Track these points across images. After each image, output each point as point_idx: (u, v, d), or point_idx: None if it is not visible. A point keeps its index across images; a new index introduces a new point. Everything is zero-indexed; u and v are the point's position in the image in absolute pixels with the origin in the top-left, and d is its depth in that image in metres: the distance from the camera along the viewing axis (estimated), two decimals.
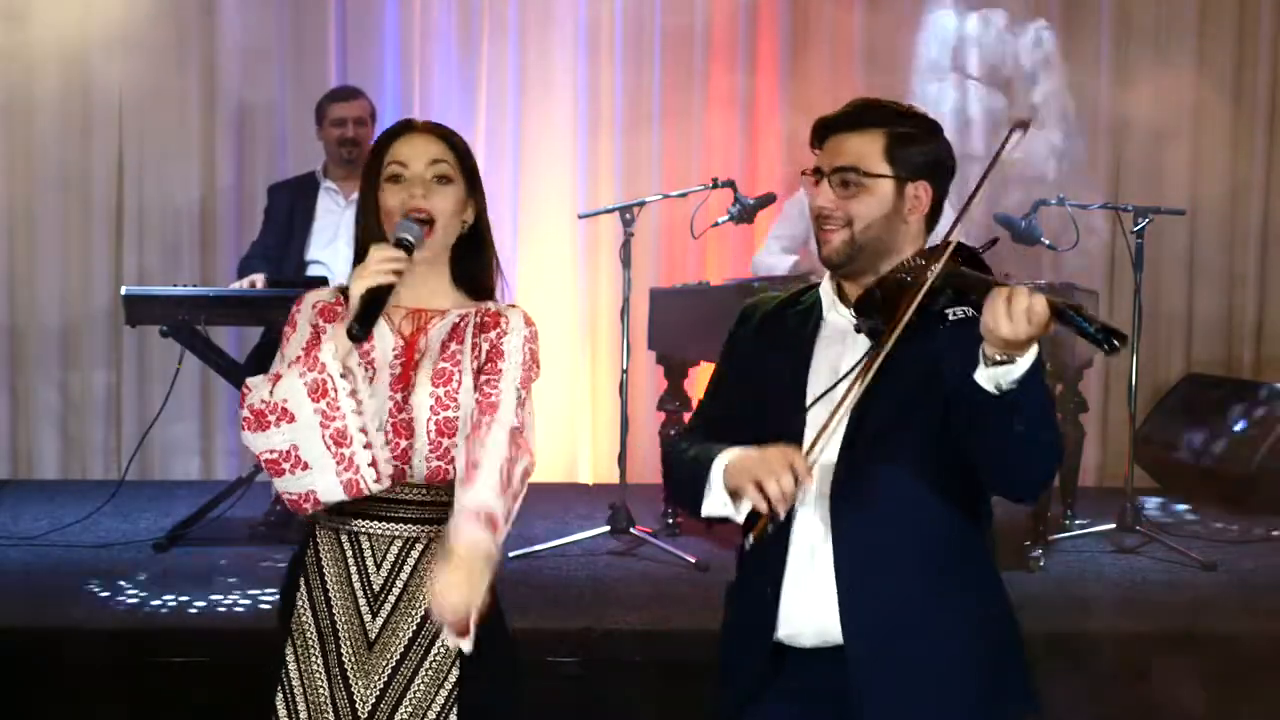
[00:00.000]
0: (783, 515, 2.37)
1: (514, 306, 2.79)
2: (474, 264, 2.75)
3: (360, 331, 2.54)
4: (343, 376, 2.56)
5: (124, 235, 7.03)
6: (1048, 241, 5.76)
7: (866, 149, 2.53)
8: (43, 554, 5.37)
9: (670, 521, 5.76)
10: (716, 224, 5.79)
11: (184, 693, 4.23)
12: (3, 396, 7.03)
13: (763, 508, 2.35)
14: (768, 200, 5.83)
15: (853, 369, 2.46)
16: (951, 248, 2.42)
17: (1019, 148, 2.51)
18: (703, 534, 5.54)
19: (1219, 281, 7.36)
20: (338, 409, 2.55)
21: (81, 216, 7.00)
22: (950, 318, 2.40)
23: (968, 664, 2.50)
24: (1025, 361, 2.28)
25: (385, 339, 2.68)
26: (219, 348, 5.74)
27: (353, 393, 2.56)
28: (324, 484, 2.58)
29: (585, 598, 4.86)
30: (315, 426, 2.55)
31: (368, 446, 2.57)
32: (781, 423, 2.51)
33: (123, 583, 4.96)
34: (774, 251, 6.05)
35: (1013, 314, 2.23)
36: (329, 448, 2.56)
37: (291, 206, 5.87)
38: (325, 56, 7.06)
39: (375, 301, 2.56)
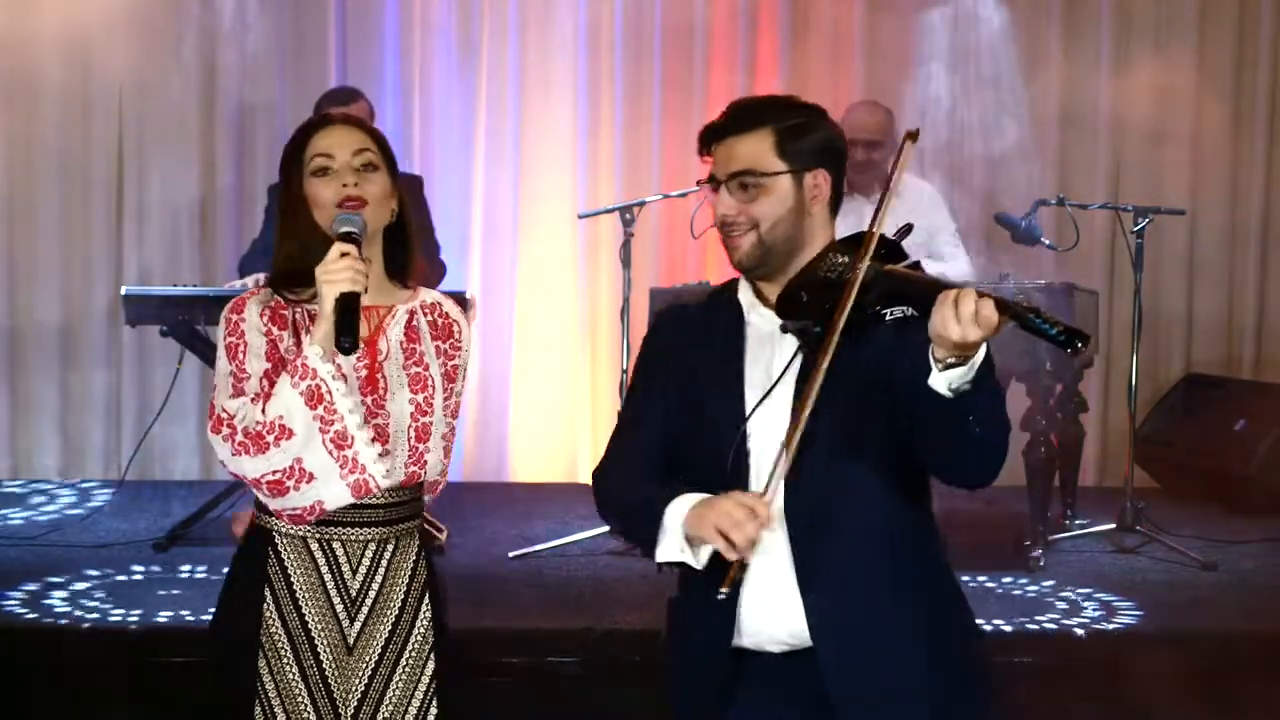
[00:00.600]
0: (750, 560, 2.36)
1: (457, 301, 2.82)
2: (403, 254, 2.74)
3: (352, 344, 2.51)
4: (334, 378, 2.54)
5: (124, 234, 7.03)
6: (1048, 241, 5.75)
7: (758, 149, 2.52)
8: (43, 554, 5.36)
9: None
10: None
11: (184, 693, 4.22)
12: (3, 396, 7.03)
13: (732, 557, 2.34)
14: None
15: (782, 374, 2.45)
16: (874, 240, 2.39)
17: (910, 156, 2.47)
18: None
19: (1219, 281, 7.35)
20: (335, 411, 2.54)
21: (82, 216, 7.00)
22: (888, 317, 2.36)
23: (934, 659, 2.51)
24: (976, 360, 2.26)
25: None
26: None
27: (347, 393, 2.55)
28: (330, 492, 2.57)
29: (585, 598, 4.86)
30: (315, 434, 2.53)
31: (373, 441, 2.57)
32: (721, 434, 2.49)
33: (122, 583, 4.96)
34: None
35: (960, 318, 2.20)
36: (331, 453, 2.55)
37: None
38: (325, 56, 7.06)
39: (351, 308, 2.52)
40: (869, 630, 2.47)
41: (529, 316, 7.19)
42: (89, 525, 5.77)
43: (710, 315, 2.62)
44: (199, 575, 5.06)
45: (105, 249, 7.02)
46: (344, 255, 2.53)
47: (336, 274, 2.52)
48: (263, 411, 2.53)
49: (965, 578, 5.12)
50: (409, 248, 2.75)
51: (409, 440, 2.65)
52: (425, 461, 2.67)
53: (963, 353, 2.24)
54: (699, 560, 2.43)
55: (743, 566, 2.35)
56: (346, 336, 2.51)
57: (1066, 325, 2.19)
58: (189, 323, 5.39)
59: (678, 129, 7.18)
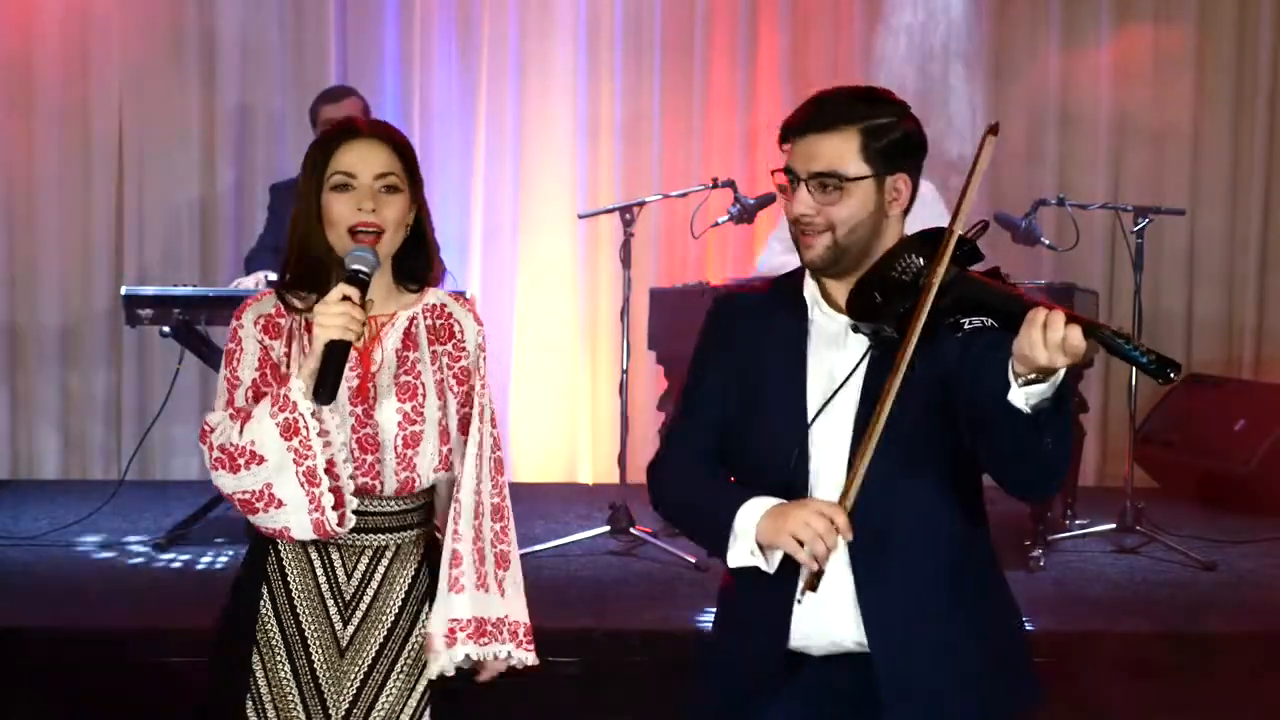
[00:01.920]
0: (827, 569, 2.34)
1: (460, 300, 2.77)
2: (416, 261, 2.71)
3: (327, 396, 2.50)
4: (313, 415, 2.52)
5: (124, 235, 7.04)
6: (1048, 241, 5.75)
7: (842, 150, 2.44)
8: (43, 554, 5.37)
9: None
10: (716, 224, 5.79)
11: (184, 693, 4.22)
12: (3, 396, 7.03)
13: (812, 566, 2.33)
14: (768, 200, 5.83)
15: (850, 375, 2.43)
16: (953, 241, 2.34)
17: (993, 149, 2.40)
18: None
19: (1219, 281, 7.36)
20: (310, 448, 2.52)
21: (81, 216, 7.01)
22: (967, 327, 2.32)
23: (985, 665, 2.51)
24: (1057, 379, 2.24)
25: None
26: (219, 348, 5.73)
27: (321, 431, 2.53)
28: (297, 521, 2.56)
29: (585, 598, 4.86)
30: (289, 465, 2.52)
31: (333, 490, 2.54)
32: (782, 434, 2.47)
33: (123, 582, 4.96)
34: (778, 252, 6.04)
35: (1048, 343, 2.16)
36: (302, 484, 2.53)
37: (292, 206, 5.86)
38: (325, 56, 7.06)
39: (338, 358, 2.51)
40: (923, 635, 2.46)
41: (529, 316, 7.19)
42: (89, 525, 5.76)
43: (773, 308, 2.57)
44: (199, 575, 5.06)
45: (105, 249, 7.03)
46: (344, 299, 2.51)
47: (331, 320, 2.50)
48: (239, 432, 2.53)
49: None
50: (425, 252, 2.71)
51: (396, 448, 2.64)
52: (417, 469, 2.66)
53: (1044, 372, 2.22)
54: (771, 565, 2.42)
55: (820, 573, 2.34)
56: (323, 388, 2.50)
57: (1159, 353, 2.15)
58: (189, 323, 5.39)
59: (678, 129, 7.19)
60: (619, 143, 7.18)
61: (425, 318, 2.72)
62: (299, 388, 2.52)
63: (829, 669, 2.50)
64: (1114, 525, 5.66)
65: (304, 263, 2.64)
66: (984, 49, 7.22)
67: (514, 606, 2.75)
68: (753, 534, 2.41)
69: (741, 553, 2.43)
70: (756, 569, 2.44)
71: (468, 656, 2.66)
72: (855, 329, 2.43)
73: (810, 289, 2.55)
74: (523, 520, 5.94)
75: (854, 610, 2.46)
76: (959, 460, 2.45)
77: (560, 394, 7.15)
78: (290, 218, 2.68)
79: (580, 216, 6.26)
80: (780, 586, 2.44)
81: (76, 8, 6.87)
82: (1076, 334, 2.15)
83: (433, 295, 2.74)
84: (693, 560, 5.20)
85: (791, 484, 2.44)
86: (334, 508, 2.55)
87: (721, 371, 2.58)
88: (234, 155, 7.05)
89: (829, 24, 7.22)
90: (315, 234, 2.62)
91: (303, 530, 2.56)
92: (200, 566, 5.17)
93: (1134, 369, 5.44)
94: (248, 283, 5.56)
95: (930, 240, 2.39)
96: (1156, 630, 4.65)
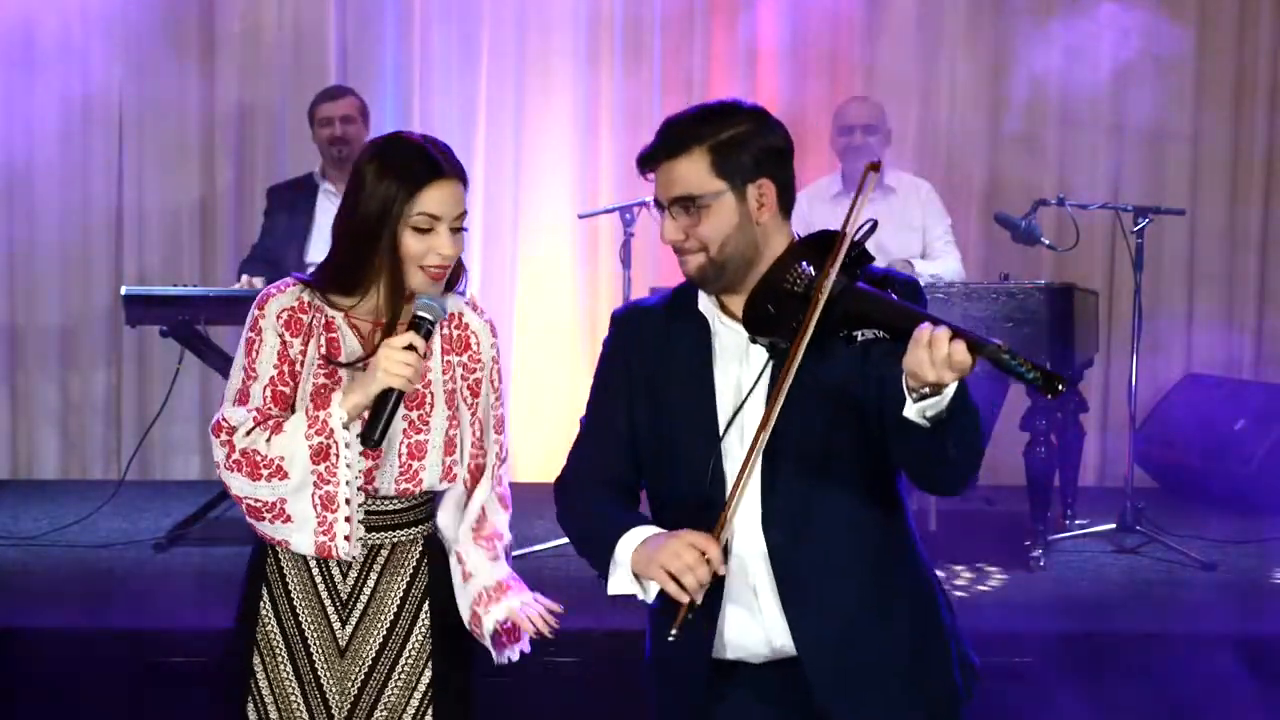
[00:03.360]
0: (699, 602, 2.33)
1: (475, 309, 2.77)
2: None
3: (375, 443, 2.53)
4: (347, 446, 2.54)
5: (124, 235, 7.04)
6: (1047, 241, 5.75)
7: (694, 170, 2.45)
8: (43, 554, 5.37)
9: None
10: None
11: (184, 693, 4.22)
12: (3, 396, 7.03)
13: (682, 599, 2.32)
14: None
15: (753, 388, 2.43)
16: (841, 252, 2.32)
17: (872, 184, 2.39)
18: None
19: (1219, 281, 7.36)
20: (335, 474, 2.53)
21: (81, 216, 7.00)
22: (859, 339, 2.31)
23: (917, 661, 2.53)
24: (949, 392, 2.23)
25: (353, 350, 2.65)
26: (219, 348, 5.73)
27: (350, 463, 2.54)
28: (300, 539, 2.57)
29: (585, 598, 4.85)
30: (309, 486, 2.53)
31: (349, 520, 2.56)
32: (696, 448, 2.48)
33: (123, 582, 4.96)
34: None
35: (934, 360, 2.16)
36: (316, 509, 2.54)
37: (291, 208, 5.88)
38: (325, 56, 7.06)
39: (391, 406, 2.52)
40: (853, 640, 2.47)
41: (529, 316, 7.19)
42: (89, 525, 5.77)
43: (674, 321, 2.58)
44: (199, 576, 5.06)
45: (105, 249, 7.02)
46: (410, 348, 2.51)
47: (395, 368, 2.51)
48: (267, 443, 2.53)
49: (965, 577, 5.13)
50: (459, 261, 2.71)
51: (400, 456, 2.65)
52: (420, 479, 2.66)
53: (938, 386, 2.21)
54: (648, 595, 2.42)
55: (692, 606, 2.33)
56: (373, 433, 2.52)
57: (1043, 369, 2.14)
58: (189, 323, 5.39)
59: None
60: (619, 142, 7.18)
61: (441, 327, 2.71)
62: (340, 417, 2.53)
63: (773, 675, 2.51)
64: (1114, 525, 5.66)
65: (353, 273, 2.62)
66: (984, 49, 7.22)
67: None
68: (628, 564, 2.42)
69: (620, 582, 2.44)
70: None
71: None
72: (753, 341, 2.43)
73: (706, 303, 2.56)
74: (523, 520, 5.94)
75: (782, 623, 2.47)
76: (866, 462, 2.46)
77: (560, 394, 7.15)
78: (344, 228, 2.63)
79: (580, 216, 6.26)
80: (703, 608, 2.40)
81: (76, 7, 6.87)
82: (961, 350, 2.15)
83: (451, 303, 2.73)
84: None
85: (710, 499, 2.43)
86: (346, 535, 2.56)
87: (628, 385, 2.58)
88: (234, 155, 7.06)
89: (829, 24, 7.21)
90: (387, 263, 2.58)
91: (304, 547, 2.57)
92: (200, 567, 5.17)
93: (1133, 359, 5.36)
94: (239, 287, 5.57)
95: (819, 247, 2.39)
96: (1156, 630, 4.65)
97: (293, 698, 2.65)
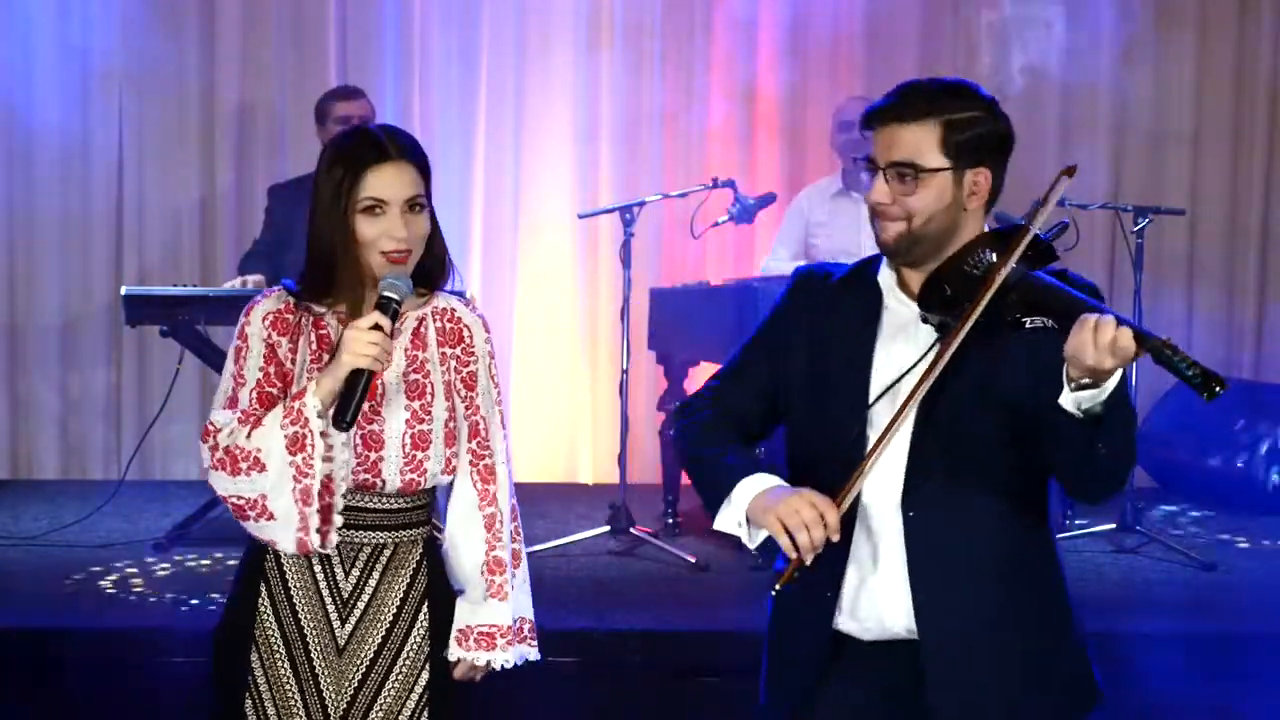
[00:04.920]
0: (809, 564, 2.34)
1: (467, 303, 2.78)
2: (429, 263, 2.70)
3: (348, 425, 2.50)
4: (322, 434, 2.52)
5: (124, 235, 7.03)
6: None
7: (921, 141, 2.44)
8: (43, 554, 5.37)
9: (670, 521, 5.77)
10: (716, 224, 5.80)
11: (184, 693, 4.22)
12: (3, 396, 7.03)
13: (792, 555, 2.33)
14: (768, 200, 5.83)
15: (914, 365, 2.42)
16: (1025, 241, 2.36)
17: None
18: (703, 534, 5.54)
19: (1219, 281, 7.36)
20: (311, 467, 2.52)
21: (81, 216, 7.00)
22: (1028, 325, 2.33)
23: (1039, 663, 2.51)
24: (1110, 384, 2.24)
25: None
26: (219, 348, 5.73)
27: (326, 455, 2.53)
28: (283, 537, 2.56)
29: (585, 598, 4.86)
30: (288, 480, 2.52)
31: (322, 509, 2.54)
32: (842, 418, 2.47)
33: (123, 582, 4.96)
34: (783, 258, 6.04)
35: (1098, 344, 2.18)
36: (296, 504, 2.53)
37: (292, 208, 5.88)
38: (325, 56, 7.06)
39: (362, 387, 2.50)
40: (979, 638, 2.46)
41: (529, 316, 7.19)
42: (89, 525, 5.77)
43: (849, 289, 2.57)
44: (199, 576, 5.06)
45: (105, 249, 7.02)
46: (375, 328, 2.50)
47: (361, 348, 2.49)
48: (247, 436, 2.53)
49: None
50: (433, 255, 2.70)
51: (404, 447, 2.64)
52: (425, 470, 2.66)
53: (1096, 377, 2.23)
54: (752, 541, 2.42)
55: (801, 566, 2.34)
56: (345, 415, 2.50)
57: (1204, 368, 2.16)
58: (189, 323, 5.39)
59: (678, 129, 7.19)
60: (619, 143, 7.18)
61: (434, 320, 2.72)
62: (314, 406, 2.52)
63: (878, 654, 2.50)
64: (1114, 525, 5.66)
65: (325, 270, 2.62)
66: (984, 48, 7.22)
67: (525, 603, 2.79)
68: (745, 505, 2.42)
69: (729, 519, 2.45)
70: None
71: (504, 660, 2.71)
72: (924, 319, 2.45)
73: (886, 275, 2.56)
74: (523, 520, 5.96)
75: (906, 597, 2.46)
76: (1018, 460, 2.44)
77: (560, 394, 7.15)
78: (310, 227, 2.64)
79: (580, 216, 6.26)
80: (830, 570, 2.43)
81: (77, 6, 6.87)
82: (1126, 336, 2.18)
83: (441, 299, 2.74)
84: (693, 560, 5.21)
85: (849, 465, 2.42)
86: (319, 528, 2.55)
87: (787, 341, 2.58)
88: (234, 155, 7.05)
89: (830, 22, 7.21)
90: (342, 251, 2.59)
91: (287, 545, 2.57)
92: (200, 567, 5.17)
93: (1135, 368, 5.38)
94: (237, 284, 5.57)
95: (1006, 237, 2.41)
96: (1156, 630, 4.65)
97: (290, 696, 2.65)
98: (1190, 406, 6.80)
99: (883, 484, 2.44)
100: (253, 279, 5.56)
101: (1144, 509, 5.69)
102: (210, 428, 2.57)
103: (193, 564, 5.20)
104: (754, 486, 2.43)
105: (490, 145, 7.16)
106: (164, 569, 5.16)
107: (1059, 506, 5.85)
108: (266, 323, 2.64)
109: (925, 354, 2.42)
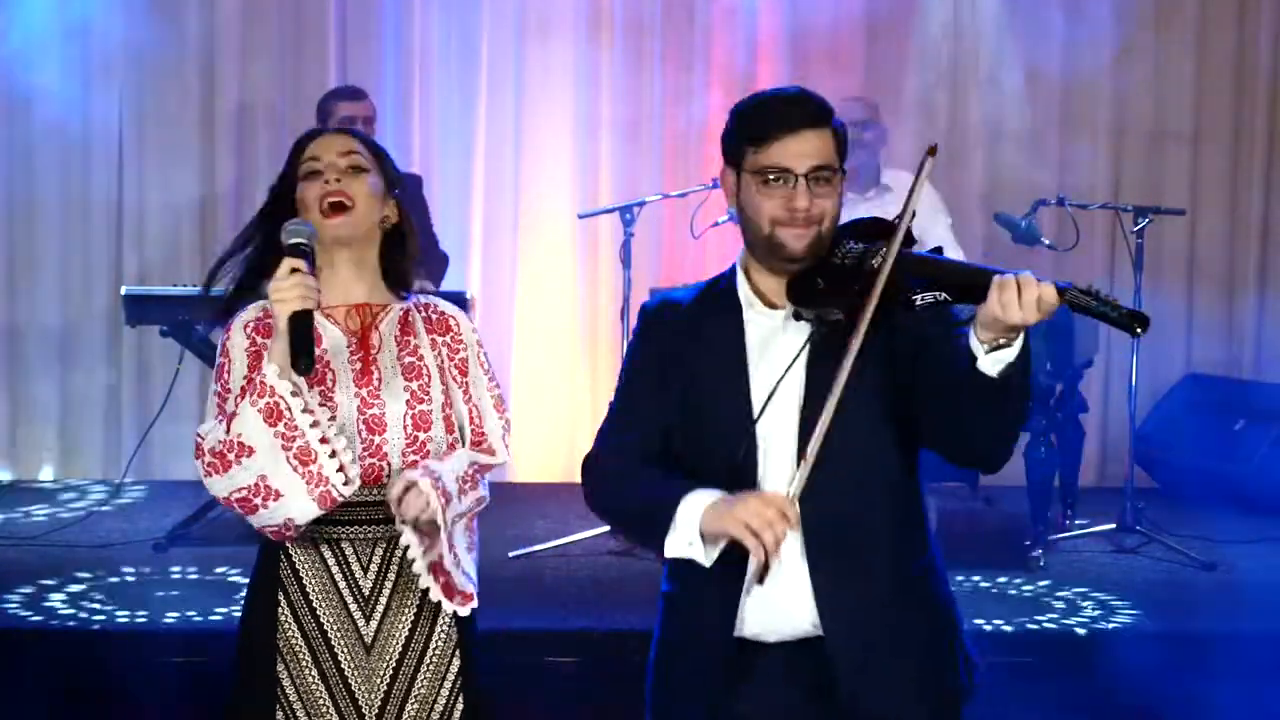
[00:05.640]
0: (775, 558, 2.34)
1: (456, 302, 2.84)
2: (400, 260, 2.76)
3: (307, 364, 2.51)
4: (294, 395, 2.53)
5: (124, 235, 7.03)
6: (1048, 241, 5.75)
7: (831, 146, 2.52)
8: (43, 554, 5.37)
9: None
10: (716, 224, 5.80)
11: (184, 693, 4.23)
12: (3, 396, 7.03)
13: (759, 556, 2.34)
14: None
15: (790, 365, 2.45)
16: (903, 229, 2.40)
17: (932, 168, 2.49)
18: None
19: (1219, 281, 7.35)
20: (296, 429, 2.53)
21: (81, 216, 7.00)
22: (919, 303, 2.36)
23: (931, 651, 2.55)
24: (1019, 342, 2.30)
25: (335, 338, 2.67)
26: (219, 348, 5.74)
27: (306, 408, 2.54)
28: (298, 506, 2.55)
29: (585, 598, 4.86)
30: (278, 450, 2.52)
31: (333, 455, 2.55)
32: (730, 434, 2.48)
33: (122, 582, 4.96)
34: None
35: (1023, 303, 2.23)
36: (296, 469, 2.53)
37: None
38: (325, 56, 7.06)
39: (304, 327, 2.52)
40: (876, 619, 2.48)
41: (529, 316, 7.19)
42: (89, 525, 5.77)
43: (705, 313, 2.59)
44: (199, 576, 5.06)
45: (105, 249, 7.02)
46: (294, 271, 2.53)
47: (287, 292, 2.52)
48: (227, 430, 2.54)
49: (965, 577, 5.13)
50: (407, 256, 2.75)
51: (406, 428, 2.64)
52: (427, 451, 2.65)
53: (1010, 336, 2.28)
54: (708, 558, 2.42)
55: (768, 564, 2.35)
56: (301, 357, 2.51)
57: (1126, 308, 2.21)
58: (189, 323, 5.39)
59: (678, 129, 7.19)
60: (619, 143, 7.17)
61: (419, 311, 2.76)
62: (273, 371, 2.53)
63: (785, 655, 2.51)
64: (1114, 525, 5.66)
65: (263, 264, 2.70)
66: (984, 47, 7.22)
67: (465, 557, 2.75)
68: (695, 524, 2.41)
69: (679, 543, 2.43)
70: (693, 566, 2.43)
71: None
72: (798, 316, 2.47)
73: (744, 289, 2.58)
74: (523, 520, 5.98)
75: (809, 597, 2.47)
76: (908, 441, 2.50)
77: (560, 394, 7.15)
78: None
79: (580, 216, 6.26)
80: (725, 578, 2.45)
81: (76, 7, 6.87)
82: (1050, 291, 2.24)
83: (422, 297, 2.80)
84: None
85: (740, 481, 2.45)
86: (338, 472, 2.54)
87: (658, 370, 2.59)
88: (234, 155, 7.05)
89: (830, 22, 7.21)
90: (285, 219, 2.66)
91: (306, 512, 2.56)
92: (201, 567, 5.16)
93: (1133, 360, 5.37)
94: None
95: (862, 229, 2.48)
96: (1156, 630, 4.66)
97: (321, 701, 2.64)
98: (1190, 407, 6.80)
99: (779, 482, 2.44)
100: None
101: (1144, 509, 5.69)
102: (197, 440, 2.58)
103: (192, 564, 5.20)
104: (698, 502, 2.41)
105: (490, 145, 7.16)
106: (163, 569, 5.16)
107: (1060, 507, 5.85)
108: (249, 330, 2.68)
109: (800, 352, 2.45)
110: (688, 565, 2.44)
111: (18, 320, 7.01)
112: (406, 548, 2.62)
